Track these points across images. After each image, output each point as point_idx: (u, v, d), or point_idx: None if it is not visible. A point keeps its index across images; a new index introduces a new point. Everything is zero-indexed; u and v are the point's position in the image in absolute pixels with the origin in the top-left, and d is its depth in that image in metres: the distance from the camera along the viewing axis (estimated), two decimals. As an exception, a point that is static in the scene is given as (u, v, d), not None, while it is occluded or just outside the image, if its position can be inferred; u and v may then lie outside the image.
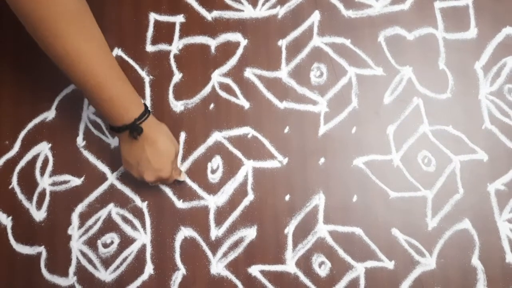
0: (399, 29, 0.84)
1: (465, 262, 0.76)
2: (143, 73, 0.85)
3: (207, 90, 0.85)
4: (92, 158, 0.84)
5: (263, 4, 0.87)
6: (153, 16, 0.87)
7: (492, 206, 0.77)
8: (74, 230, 0.81)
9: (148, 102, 0.85)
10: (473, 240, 0.76)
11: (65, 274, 0.80)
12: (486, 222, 0.77)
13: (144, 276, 0.79)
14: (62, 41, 0.59)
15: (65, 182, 0.83)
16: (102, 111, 0.67)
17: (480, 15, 0.83)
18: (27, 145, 0.85)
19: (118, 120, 0.68)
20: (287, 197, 0.80)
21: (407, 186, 0.79)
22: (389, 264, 0.76)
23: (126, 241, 0.81)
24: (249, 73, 0.85)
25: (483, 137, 0.79)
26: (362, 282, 0.76)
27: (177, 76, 0.85)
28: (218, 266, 0.78)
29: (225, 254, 0.79)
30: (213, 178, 0.82)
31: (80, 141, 0.85)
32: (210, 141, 0.83)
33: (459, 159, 0.79)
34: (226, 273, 0.78)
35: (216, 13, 0.87)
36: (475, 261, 0.75)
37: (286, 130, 0.83)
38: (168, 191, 0.81)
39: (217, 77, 0.85)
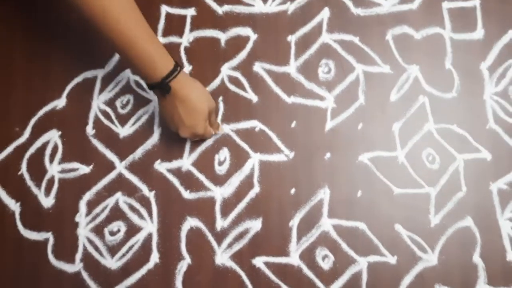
0: (407, 28, 0.85)
1: (466, 259, 0.77)
2: (153, 65, 0.86)
3: (216, 83, 0.86)
4: (101, 147, 0.85)
5: (273, 0, 0.88)
6: (164, 9, 0.88)
7: (494, 204, 0.78)
8: (81, 217, 0.82)
9: (157, 93, 0.86)
10: (474, 238, 0.77)
11: (71, 260, 0.81)
12: (488, 220, 0.78)
13: (150, 265, 0.80)
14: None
15: (73, 169, 0.84)
16: (133, 69, 0.72)
17: (487, 16, 0.84)
18: (37, 132, 0.86)
19: (148, 78, 0.69)
20: (293, 191, 0.81)
21: (411, 182, 0.80)
22: (392, 259, 0.78)
23: (133, 229, 0.82)
24: (258, 67, 0.86)
25: (487, 136, 0.81)
26: (364, 276, 0.77)
27: (187, 69, 0.86)
28: (223, 257, 0.80)
29: (230, 245, 0.80)
30: (220, 170, 0.83)
31: (89, 129, 0.86)
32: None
33: (463, 157, 0.80)
34: (231, 264, 0.79)
35: (227, 7, 0.88)
36: (476, 258, 0.76)
37: (293, 125, 0.84)
38: (175, 181, 0.83)
39: (226, 70, 0.86)
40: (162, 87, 0.69)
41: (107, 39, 0.67)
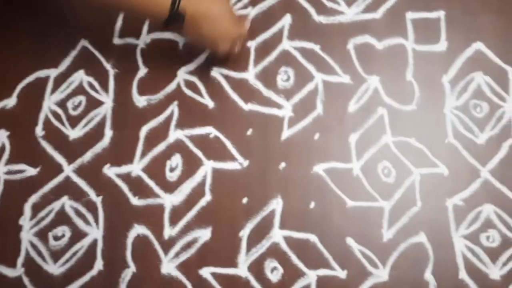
0: (369, 38, 0.84)
1: (417, 276, 0.75)
2: (107, 66, 0.85)
3: (171, 87, 0.84)
4: (49, 149, 0.83)
5: (234, 4, 0.86)
6: (122, 9, 0.86)
7: (449, 221, 0.76)
8: (25, 220, 0.80)
9: (111, 96, 0.84)
10: (427, 254, 0.75)
11: (12, 264, 0.79)
12: (442, 237, 0.76)
13: (93, 272, 0.78)
14: None
15: (20, 171, 0.82)
16: (140, 15, 0.74)
17: (452, 28, 0.83)
18: (-16, 132, 0.83)
19: (159, 15, 0.66)
20: (245, 200, 0.79)
21: (365, 195, 0.78)
22: (342, 273, 0.76)
23: (78, 235, 0.79)
24: (216, 72, 0.84)
25: (445, 151, 0.79)
26: (313, 290, 0.75)
27: (142, 71, 0.84)
28: (169, 266, 0.77)
29: (177, 254, 0.78)
30: (171, 176, 0.81)
31: (39, 131, 0.83)
32: (171, 138, 0.82)
33: (419, 171, 0.78)
34: (177, 274, 0.77)
35: (186, 10, 0.86)
36: (428, 275, 0.75)
37: (249, 133, 0.82)
38: (124, 186, 0.80)
39: (183, 74, 0.84)
40: (176, 17, 0.65)
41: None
